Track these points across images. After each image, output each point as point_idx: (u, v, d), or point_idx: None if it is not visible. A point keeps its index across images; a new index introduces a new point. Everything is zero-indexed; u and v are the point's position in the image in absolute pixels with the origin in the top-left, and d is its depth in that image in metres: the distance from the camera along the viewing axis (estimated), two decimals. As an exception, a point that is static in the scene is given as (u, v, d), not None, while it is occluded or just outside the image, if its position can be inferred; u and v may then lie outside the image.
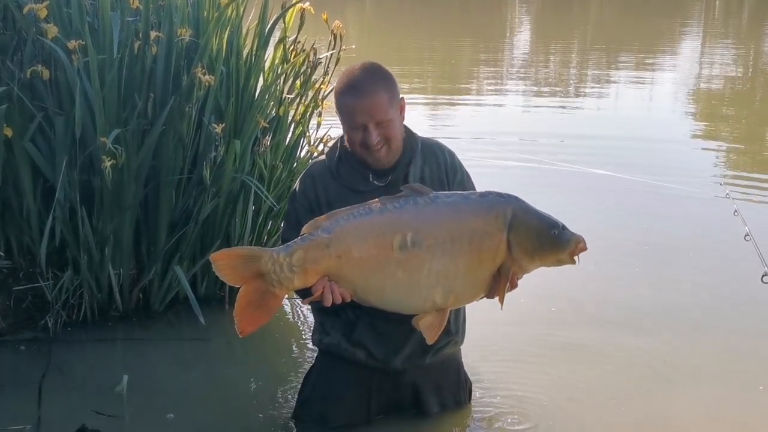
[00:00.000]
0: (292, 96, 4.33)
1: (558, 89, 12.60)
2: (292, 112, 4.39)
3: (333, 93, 3.12)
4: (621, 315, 4.43)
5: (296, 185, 3.19)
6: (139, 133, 3.83)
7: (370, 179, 3.05)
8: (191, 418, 3.28)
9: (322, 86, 4.44)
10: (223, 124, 3.83)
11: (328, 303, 2.76)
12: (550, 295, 4.54)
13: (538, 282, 4.65)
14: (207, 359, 3.84)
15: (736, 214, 4.39)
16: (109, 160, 3.57)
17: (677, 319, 4.38)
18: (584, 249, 2.86)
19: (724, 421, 3.48)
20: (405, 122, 3.10)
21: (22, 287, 4.04)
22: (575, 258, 2.85)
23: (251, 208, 4.21)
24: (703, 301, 4.62)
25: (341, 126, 3.04)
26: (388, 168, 3.04)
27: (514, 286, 2.85)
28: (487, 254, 2.78)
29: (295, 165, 4.45)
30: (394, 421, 3.14)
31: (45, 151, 3.90)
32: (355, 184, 3.05)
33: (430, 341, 2.85)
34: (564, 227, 2.84)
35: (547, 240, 2.81)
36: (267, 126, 4.13)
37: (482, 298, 2.88)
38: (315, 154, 4.45)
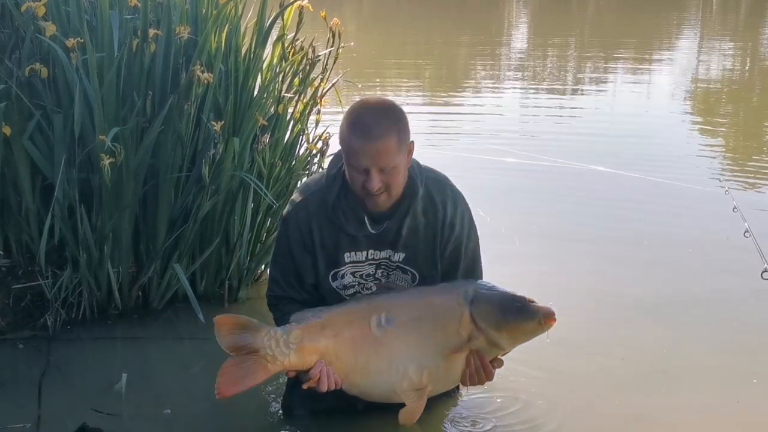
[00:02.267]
0: (291, 94, 4.33)
1: (556, 86, 12.59)
2: (290, 110, 4.39)
3: (340, 127, 2.98)
4: (619, 310, 4.43)
5: (289, 211, 3.16)
6: (137, 132, 3.83)
7: (366, 223, 3.04)
8: (190, 416, 3.28)
9: (321, 84, 4.43)
10: (222, 122, 3.83)
11: (323, 388, 2.90)
12: (547, 291, 4.54)
13: (534, 278, 4.73)
14: (206, 357, 3.83)
15: (735, 210, 4.39)
16: (108, 159, 3.57)
17: (676, 314, 4.39)
18: (553, 319, 2.95)
19: (722, 415, 3.48)
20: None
21: (21, 285, 4.04)
22: (546, 328, 2.96)
23: (250, 206, 4.21)
24: (703, 297, 4.61)
25: (344, 160, 2.98)
26: (385, 213, 3.02)
27: (489, 375, 3.00)
28: (452, 329, 2.97)
29: (294, 163, 4.45)
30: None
31: (44, 149, 3.89)
32: (349, 227, 3.06)
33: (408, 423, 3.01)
34: (531, 301, 2.97)
35: (510, 310, 2.95)
36: (266, 124, 4.13)
37: (457, 384, 3.11)
38: (314, 152, 4.45)
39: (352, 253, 3.12)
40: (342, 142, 2.94)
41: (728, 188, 5.35)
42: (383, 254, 3.14)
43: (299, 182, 4.53)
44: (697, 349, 4.02)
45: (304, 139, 4.53)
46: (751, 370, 3.82)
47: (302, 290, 3.20)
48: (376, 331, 2.98)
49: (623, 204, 6.33)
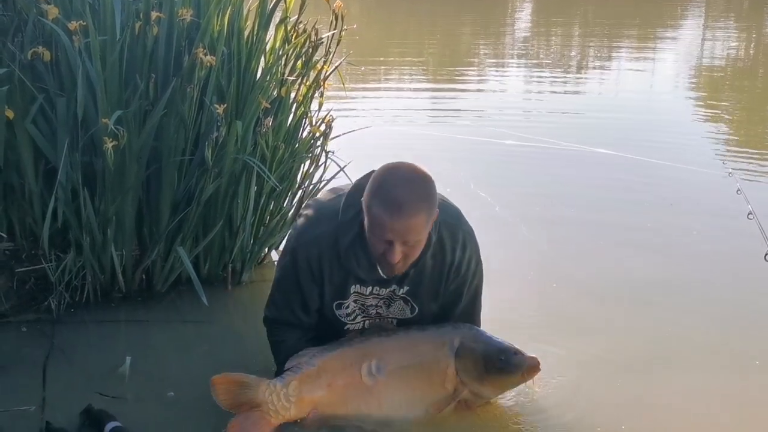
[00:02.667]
0: (294, 77, 4.32)
1: (559, 68, 12.57)
2: (293, 93, 4.38)
3: (367, 194, 2.88)
4: (621, 290, 4.45)
5: (299, 243, 3.10)
6: (140, 115, 3.82)
7: (377, 270, 3.02)
8: (193, 399, 3.29)
9: (324, 67, 4.42)
10: (225, 105, 3.82)
11: None
12: (549, 271, 4.56)
13: (535, 258, 4.74)
14: (209, 340, 3.85)
15: (739, 192, 4.39)
16: (111, 142, 3.56)
17: (678, 296, 4.40)
18: (537, 372, 3.11)
19: (722, 396, 3.49)
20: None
21: (24, 269, 4.04)
22: (530, 377, 3.12)
23: (254, 189, 4.21)
24: (706, 279, 4.63)
25: (365, 222, 2.90)
26: None
27: (471, 409, 3.17)
28: (437, 380, 3.11)
29: (297, 146, 4.44)
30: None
31: (46, 132, 3.89)
32: (360, 272, 3.05)
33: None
34: (516, 352, 3.10)
35: (493, 366, 3.09)
36: (269, 107, 4.12)
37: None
38: (317, 134, 4.44)
39: (358, 286, 3.13)
40: (367, 210, 2.85)
41: (732, 170, 5.34)
42: (387, 291, 3.15)
43: (302, 170, 4.53)
44: (699, 331, 4.02)
45: (307, 122, 4.52)
46: (755, 351, 3.82)
47: (303, 316, 3.22)
48: (367, 380, 3.09)
49: (626, 186, 6.33)
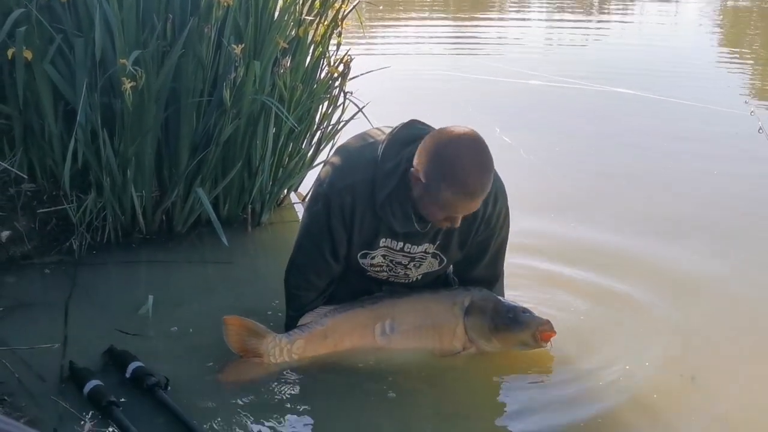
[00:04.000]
0: (312, 16, 4.28)
1: (581, 8, 12.41)
2: (311, 33, 4.35)
3: (430, 170, 2.79)
4: (640, 231, 4.45)
5: (333, 191, 3.01)
6: (158, 55, 3.81)
7: (413, 222, 2.97)
8: (215, 339, 3.32)
9: (342, 6, 4.38)
10: (243, 45, 3.79)
11: None
12: (567, 211, 4.56)
13: (555, 200, 4.73)
14: (230, 281, 3.88)
15: (760, 131, 4.35)
16: (129, 83, 3.56)
17: (699, 235, 4.42)
18: (549, 332, 3.12)
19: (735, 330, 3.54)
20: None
21: (46, 210, 4.07)
22: (542, 342, 3.14)
23: (272, 130, 4.20)
24: (726, 219, 4.63)
25: (421, 192, 2.83)
26: None
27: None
28: (447, 338, 3.19)
29: (315, 86, 4.42)
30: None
31: (65, 73, 3.89)
32: (395, 224, 2.98)
33: None
34: (525, 311, 3.16)
35: (502, 321, 3.15)
36: (286, 47, 4.09)
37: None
38: (335, 75, 4.42)
39: (388, 240, 3.09)
40: (433, 190, 2.79)
41: (754, 109, 5.29)
42: (420, 249, 3.12)
43: (321, 111, 4.51)
44: (716, 269, 4.02)
45: (325, 63, 4.49)
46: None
47: (332, 262, 3.16)
48: (380, 339, 3.16)
49: (648, 125, 6.29)
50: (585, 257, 4.04)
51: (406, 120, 3.02)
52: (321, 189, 3.06)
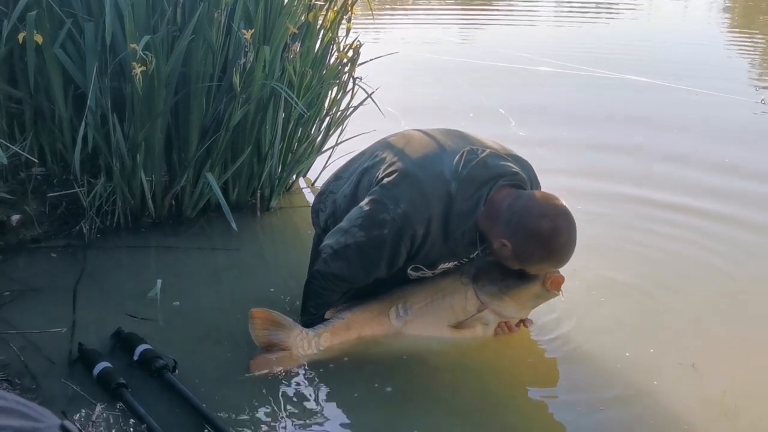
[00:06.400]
0: (321, 1, 4.28)
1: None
2: (321, 18, 4.35)
3: (531, 240, 2.90)
4: (640, 216, 4.46)
5: (405, 221, 2.95)
6: (168, 40, 3.82)
7: (477, 247, 3.06)
8: (223, 323, 3.34)
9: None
10: (253, 30, 3.79)
11: None
12: (577, 198, 4.55)
13: (566, 190, 4.72)
14: (238, 265, 3.88)
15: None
16: (140, 67, 3.57)
17: (710, 220, 4.42)
18: (558, 278, 3.09)
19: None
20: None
21: (56, 194, 4.09)
22: (554, 290, 3.11)
23: (281, 115, 4.21)
24: (737, 205, 4.62)
25: (509, 256, 2.96)
26: None
27: (511, 331, 3.24)
28: (460, 307, 3.20)
29: (324, 72, 4.43)
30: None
31: (75, 58, 3.90)
32: (462, 253, 3.09)
33: None
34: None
35: (511, 276, 3.12)
36: (296, 32, 4.09)
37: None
38: (344, 60, 4.42)
39: (447, 263, 3.15)
40: (526, 260, 2.96)
41: (764, 98, 5.28)
42: (470, 257, 3.18)
43: (330, 97, 4.51)
44: (719, 259, 4.02)
45: (334, 48, 4.49)
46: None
47: (374, 279, 3.18)
48: (396, 322, 3.19)
49: (659, 112, 6.28)
50: (586, 245, 4.04)
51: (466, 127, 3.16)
52: (389, 217, 2.97)
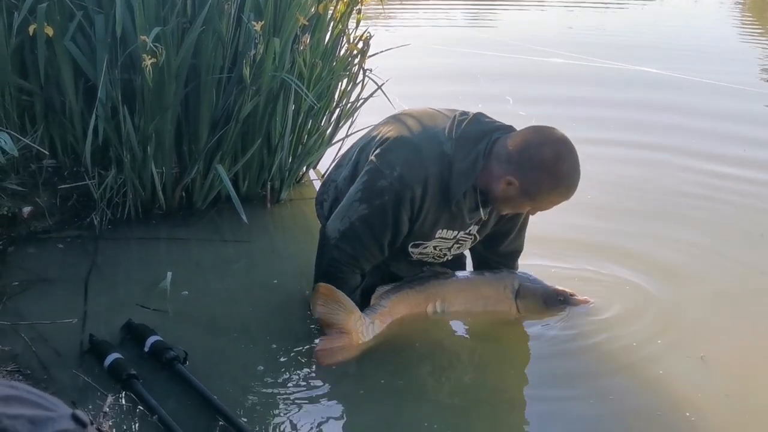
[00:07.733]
0: (332, -7, 4.27)
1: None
2: (331, 10, 4.34)
3: (544, 179, 2.89)
4: (646, 211, 4.46)
5: (402, 183, 2.95)
6: (178, 32, 3.82)
7: (480, 212, 3.06)
8: (233, 314, 3.34)
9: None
10: (263, 22, 3.79)
11: None
12: (588, 187, 4.54)
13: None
14: (249, 257, 3.89)
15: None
16: (150, 59, 3.57)
17: (724, 214, 4.42)
18: (588, 301, 3.38)
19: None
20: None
21: (67, 186, 4.09)
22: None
23: (291, 107, 4.21)
24: (750, 197, 4.61)
25: (515, 195, 2.93)
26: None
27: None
28: (498, 317, 3.28)
29: (335, 63, 4.42)
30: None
31: (86, 50, 3.91)
32: (466, 216, 3.07)
33: None
34: (572, 294, 3.36)
35: (553, 303, 3.31)
36: (306, 24, 4.09)
37: None
38: (354, 52, 4.41)
39: (444, 231, 3.12)
40: (535, 193, 2.92)
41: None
42: (468, 231, 3.17)
43: (340, 88, 4.51)
44: (727, 253, 4.01)
45: (344, 40, 4.49)
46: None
47: (387, 251, 3.16)
48: (433, 317, 3.22)
49: (671, 104, 6.26)
50: (591, 241, 4.03)
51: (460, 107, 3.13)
52: (387, 182, 2.97)
